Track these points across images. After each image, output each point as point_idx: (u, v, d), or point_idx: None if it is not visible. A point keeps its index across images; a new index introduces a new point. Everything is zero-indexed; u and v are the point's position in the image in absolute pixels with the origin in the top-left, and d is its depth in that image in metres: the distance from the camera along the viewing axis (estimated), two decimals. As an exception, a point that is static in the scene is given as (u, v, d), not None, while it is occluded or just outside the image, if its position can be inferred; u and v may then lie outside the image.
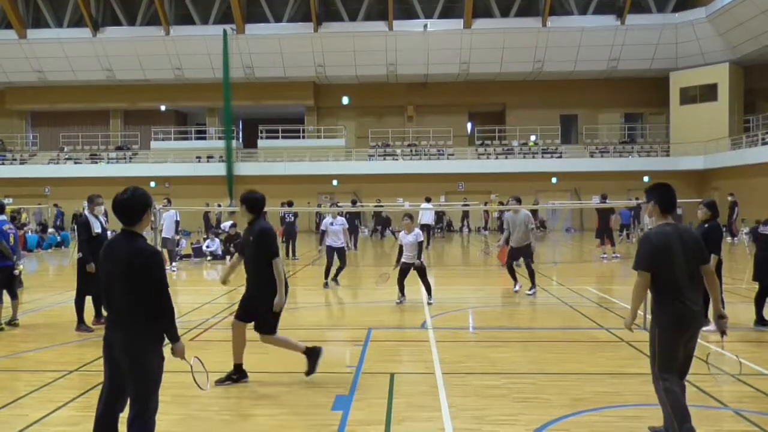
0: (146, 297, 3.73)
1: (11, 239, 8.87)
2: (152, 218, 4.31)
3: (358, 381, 6.26)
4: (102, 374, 3.95)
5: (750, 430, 4.92)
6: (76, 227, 9.31)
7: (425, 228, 22.11)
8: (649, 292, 4.52)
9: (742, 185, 28.29)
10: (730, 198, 25.31)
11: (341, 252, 13.28)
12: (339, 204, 23.38)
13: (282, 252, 20.10)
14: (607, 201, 20.31)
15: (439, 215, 31.58)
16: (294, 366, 6.92)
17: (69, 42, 35.51)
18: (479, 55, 34.87)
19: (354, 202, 22.85)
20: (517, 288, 11.98)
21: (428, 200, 21.18)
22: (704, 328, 8.77)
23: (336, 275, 13.36)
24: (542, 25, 34.09)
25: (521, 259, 12.25)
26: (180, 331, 8.85)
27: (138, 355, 3.73)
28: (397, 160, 36.60)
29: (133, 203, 3.87)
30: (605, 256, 18.54)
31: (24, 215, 30.20)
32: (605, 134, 38.55)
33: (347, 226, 13.84)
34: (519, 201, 12.20)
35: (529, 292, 11.69)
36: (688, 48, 33.96)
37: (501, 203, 29.06)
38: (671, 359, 4.35)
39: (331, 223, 13.39)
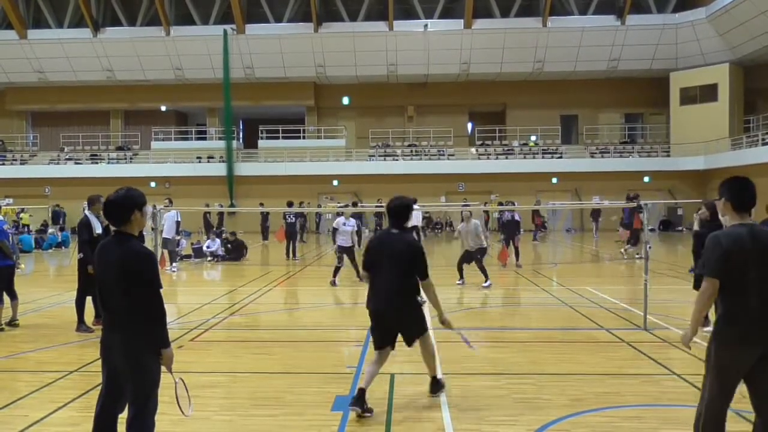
0: (141, 298, 3.70)
1: (11, 239, 8.87)
2: (147, 220, 4.16)
3: (358, 381, 6.25)
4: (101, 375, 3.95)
5: (750, 430, 4.91)
6: (77, 227, 9.30)
7: (413, 229, 22.18)
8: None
9: (743, 185, 28.23)
10: None
11: (350, 252, 13.76)
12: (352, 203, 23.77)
13: (282, 252, 20.19)
14: (637, 200, 19.70)
15: (429, 217, 31.79)
16: (294, 366, 6.93)
17: (69, 42, 35.51)
18: (479, 55, 34.87)
19: (355, 204, 22.90)
20: (460, 282, 13.31)
21: (414, 201, 21.13)
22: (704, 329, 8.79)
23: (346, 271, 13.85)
24: (542, 25, 34.09)
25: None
26: (180, 332, 8.91)
27: (135, 356, 3.70)
28: (397, 160, 36.60)
29: (121, 203, 3.80)
30: (624, 253, 18.28)
31: (26, 215, 30.15)
32: (605, 134, 38.55)
33: (357, 229, 14.30)
34: (471, 213, 13.71)
35: (485, 285, 12.92)
36: (689, 48, 33.95)
37: (501, 203, 29.06)
38: (730, 382, 3.82)
39: (344, 223, 13.92)
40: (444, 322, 5.65)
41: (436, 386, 5.77)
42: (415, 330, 5.57)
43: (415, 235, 21.97)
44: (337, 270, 13.60)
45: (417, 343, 5.62)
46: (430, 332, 5.83)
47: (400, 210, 5.55)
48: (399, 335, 5.60)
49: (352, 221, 14.15)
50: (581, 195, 34.40)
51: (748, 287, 3.69)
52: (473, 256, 13.27)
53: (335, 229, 14.29)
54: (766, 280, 3.70)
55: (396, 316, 5.49)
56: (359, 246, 22.40)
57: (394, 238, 5.51)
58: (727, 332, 3.74)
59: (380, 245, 5.58)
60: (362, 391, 5.27)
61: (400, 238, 5.50)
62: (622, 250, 18.60)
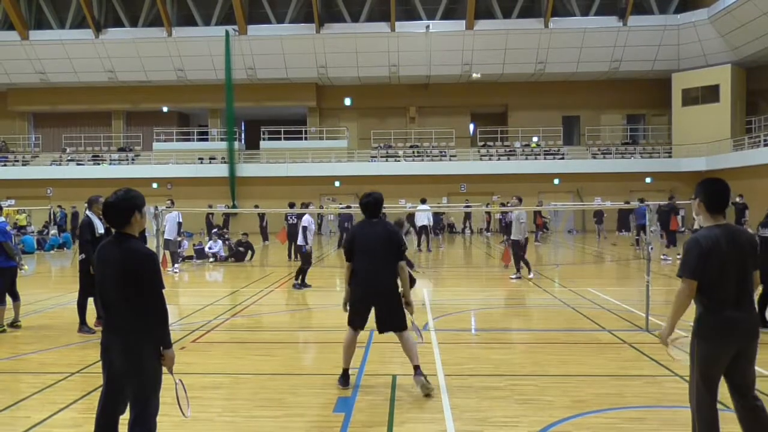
0: (141, 299, 3.68)
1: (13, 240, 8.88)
2: (146, 221, 4.14)
3: (360, 383, 6.25)
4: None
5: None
6: (78, 228, 9.30)
7: (423, 229, 22.23)
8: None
9: (744, 187, 28.14)
10: (739, 200, 25.13)
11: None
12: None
13: (283, 253, 20.18)
14: (673, 201, 19.40)
15: (438, 217, 31.52)
16: (296, 368, 6.93)
17: (71, 43, 35.57)
18: (481, 56, 34.89)
19: (348, 207, 23.19)
20: (515, 277, 14.23)
21: (423, 201, 21.17)
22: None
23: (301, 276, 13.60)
24: (544, 26, 34.10)
25: None
26: (182, 333, 8.91)
27: (136, 357, 3.69)
28: (399, 161, 36.62)
29: (120, 205, 3.78)
30: (665, 257, 18.16)
31: (24, 216, 30.15)
32: (607, 135, 38.56)
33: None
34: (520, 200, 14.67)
35: (513, 277, 14.01)
36: (690, 49, 33.94)
37: (503, 204, 29.07)
38: (712, 377, 3.90)
39: (312, 222, 13.60)
40: (408, 304, 6.01)
41: (420, 373, 5.91)
42: (398, 319, 5.95)
43: (424, 235, 22.14)
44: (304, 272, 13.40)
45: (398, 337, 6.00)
46: (413, 330, 6.28)
47: (374, 204, 6.12)
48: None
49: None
50: (583, 196, 34.40)
51: (726, 286, 3.85)
52: (519, 246, 14.27)
53: (305, 227, 13.35)
54: (743, 278, 3.88)
55: (386, 299, 5.92)
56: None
57: (376, 226, 6.06)
58: (707, 329, 3.88)
59: (365, 233, 6.04)
60: (346, 371, 6.06)
61: (381, 226, 6.08)
62: (664, 254, 18.20)
